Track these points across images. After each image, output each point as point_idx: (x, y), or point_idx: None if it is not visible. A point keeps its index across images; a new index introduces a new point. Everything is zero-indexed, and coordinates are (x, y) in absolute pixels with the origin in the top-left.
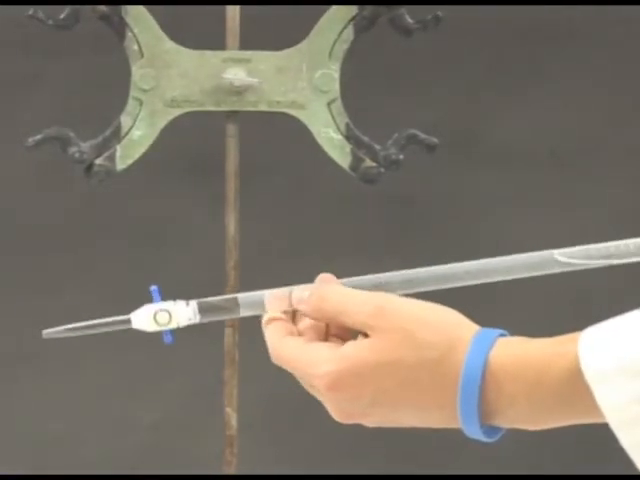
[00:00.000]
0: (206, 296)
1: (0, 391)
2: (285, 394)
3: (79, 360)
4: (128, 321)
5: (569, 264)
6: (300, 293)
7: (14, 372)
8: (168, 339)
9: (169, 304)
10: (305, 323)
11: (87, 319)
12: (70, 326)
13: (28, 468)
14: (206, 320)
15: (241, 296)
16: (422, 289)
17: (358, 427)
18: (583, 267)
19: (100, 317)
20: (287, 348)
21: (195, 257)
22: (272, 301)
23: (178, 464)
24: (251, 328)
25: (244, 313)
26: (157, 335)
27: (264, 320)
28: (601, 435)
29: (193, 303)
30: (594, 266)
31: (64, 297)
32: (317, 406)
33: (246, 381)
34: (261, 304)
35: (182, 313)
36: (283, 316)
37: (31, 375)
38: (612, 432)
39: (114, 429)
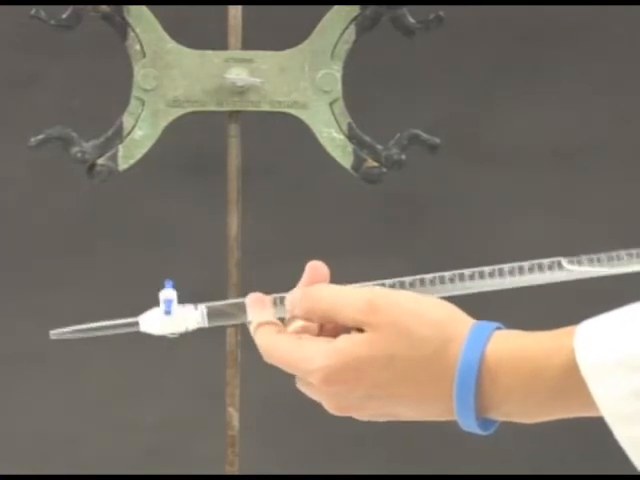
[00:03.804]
0: (208, 295)
1: (1, 391)
2: (287, 394)
3: (81, 360)
4: (136, 324)
5: (576, 272)
6: (291, 297)
7: (15, 372)
8: (168, 312)
9: (177, 307)
10: (296, 326)
11: (88, 319)
12: (77, 327)
13: (28, 468)
14: (214, 324)
15: (249, 300)
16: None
17: (359, 428)
18: (590, 274)
19: (102, 317)
20: (280, 345)
21: (196, 257)
22: (255, 309)
23: (180, 464)
24: None
25: (252, 318)
26: (159, 335)
27: (253, 326)
28: (601, 435)
29: (202, 307)
30: (601, 274)
31: (64, 297)
32: (319, 406)
33: (248, 381)
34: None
35: (190, 317)
36: (273, 320)
37: (32, 375)
38: (612, 432)
39: (116, 429)
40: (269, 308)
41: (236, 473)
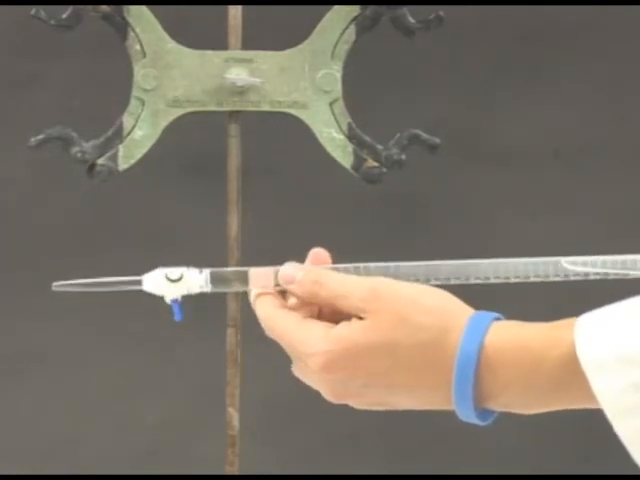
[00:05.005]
0: (208, 294)
1: (2, 391)
2: (287, 394)
3: (81, 360)
4: (139, 282)
5: (577, 272)
6: (288, 272)
7: (15, 372)
8: (178, 316)
9: (182, 269)
10: (294, 300)
11: (88, 318)
12: (80, 281)
13: (28, 468)
14: (216, 290)
15: (252, 269)
16: (423, 283)
17: (359, 427)
18: (591, 276)
19: (102, 316)
20: (282, 321)
21: (196, 257)
22: (257, 279)
23: (180, 464)
24: (253, 328)
25: (254, 287)
26: (159, 335)
27: (253, 295)
28: (602, 435)
29: (206, 271)
30: (601, 276)
31: (64, 297)
32: (319, 406)
33: (248, 381)
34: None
35: (194, 279)
36: (272, 292)
37: (32, 375)
38: (611, 426)
39: (116, 429)
40: (271, 279)
41: (236, 473)
